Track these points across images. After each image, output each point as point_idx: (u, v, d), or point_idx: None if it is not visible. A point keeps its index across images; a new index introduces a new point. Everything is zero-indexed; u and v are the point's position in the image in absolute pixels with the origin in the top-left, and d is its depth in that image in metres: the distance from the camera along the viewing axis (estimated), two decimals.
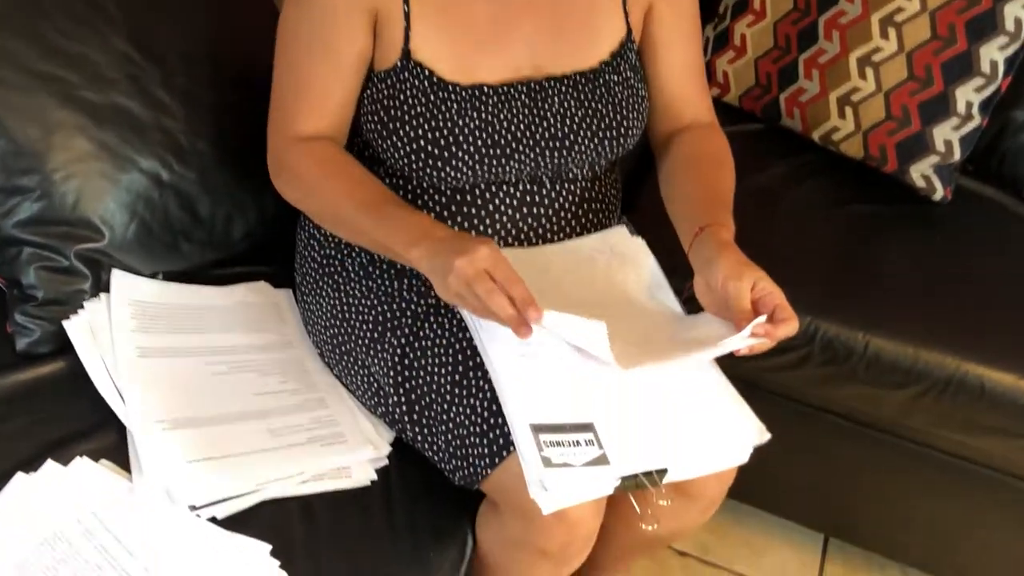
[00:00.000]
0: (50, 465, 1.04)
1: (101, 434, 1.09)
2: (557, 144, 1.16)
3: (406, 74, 1.12)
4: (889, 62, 1.61)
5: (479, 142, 1.13)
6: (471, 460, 1.09)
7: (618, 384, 1.03)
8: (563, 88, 1.17)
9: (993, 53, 1.57)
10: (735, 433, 1.04)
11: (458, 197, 1.16)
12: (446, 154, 1.12)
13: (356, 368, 1.20)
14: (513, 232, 1.17)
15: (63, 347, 1.17)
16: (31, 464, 1.04)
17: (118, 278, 1.23)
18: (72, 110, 1.18)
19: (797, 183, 1.67)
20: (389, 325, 1.17)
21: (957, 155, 1.61)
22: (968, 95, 1.59)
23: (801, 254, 1.52)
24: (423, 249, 1.02)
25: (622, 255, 1.17)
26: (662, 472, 0.98)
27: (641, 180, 1.56)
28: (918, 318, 1.46)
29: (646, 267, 1.17)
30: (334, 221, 1.16)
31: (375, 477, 1.15)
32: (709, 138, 1.28)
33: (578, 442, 0.97)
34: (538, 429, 0.96)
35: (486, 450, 1.07)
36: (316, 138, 1.14)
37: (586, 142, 1.18)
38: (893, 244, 1.58)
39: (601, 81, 1.19)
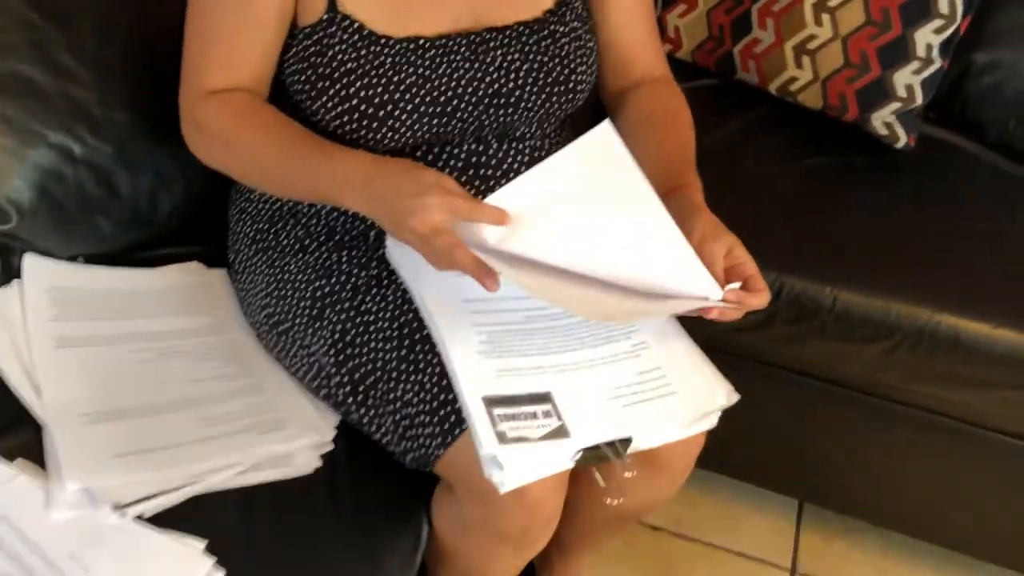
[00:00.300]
0: None
1: (15, 432, 1.01)
2: (502, 100, 1.11)
3: (333, 28, 1.06)
4: (845, 6, 1.58)
5: (417, 99, 1.07)
6: (422, 440, 1.03)
7: (578, 347, 0.98)
8: (505, 40, 1.12)
9: None
10: (702, 396, 0.99)
11: None
12: (381, 113, 1.06)
13: (295, 349, 1.13)
14: None
15: None
16: None
17: (31, 263, 1.16)
18: None
19: (755, 138, 1.65)
20: (328, 301, 1.10)
21: (919, 100, 1.58)
22: (927, 37, 1.56)
23: (762, 210, 1.49)
24: (359, 194, 0.98)
25: (606, 170, 1.01)
26: (626, 441, 0.93)
27: None
28: (887, 269, 1.44)
29: (633, 180, 1.01)
30: (258, 175, 1.11)
31: (320, 464, 1.08)
32: (665, 93, 1.24)
33: (535, 414, 0.92)
34: (491, 402, 0.92)
35: (437, 429, 1.01)
36: (230, 90, 1.07)
37: (532, 97, 1.13)
38: (857, 195, 1.56)
39: (546, 32, 1.14)
